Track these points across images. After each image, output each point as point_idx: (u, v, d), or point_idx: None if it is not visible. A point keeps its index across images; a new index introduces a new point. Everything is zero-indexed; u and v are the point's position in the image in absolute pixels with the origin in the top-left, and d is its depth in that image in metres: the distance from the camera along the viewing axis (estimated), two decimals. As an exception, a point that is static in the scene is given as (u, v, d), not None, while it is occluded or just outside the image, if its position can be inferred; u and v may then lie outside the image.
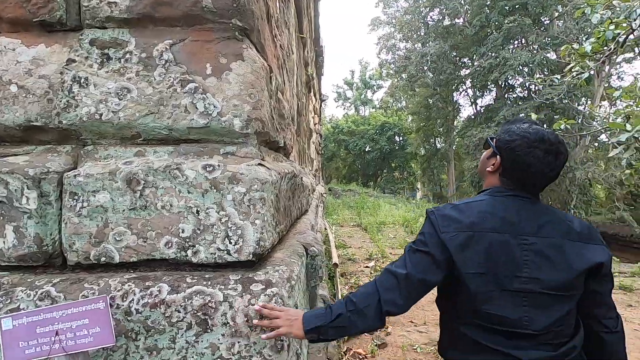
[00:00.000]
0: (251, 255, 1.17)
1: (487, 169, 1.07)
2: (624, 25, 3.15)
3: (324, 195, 10.94)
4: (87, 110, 1.27)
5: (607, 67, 12.67)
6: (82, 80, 1.28)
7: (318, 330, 0.98)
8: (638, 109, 3.20)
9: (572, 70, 3.64)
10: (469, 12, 18.69)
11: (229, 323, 1.05)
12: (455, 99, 22.41)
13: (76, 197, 1.18)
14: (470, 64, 19.80)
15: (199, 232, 1.18)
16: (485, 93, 20.18)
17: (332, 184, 24.61)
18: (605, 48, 3.39)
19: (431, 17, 21.33)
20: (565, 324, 0.95)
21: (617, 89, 3.64)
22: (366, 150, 27.59)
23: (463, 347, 0.99)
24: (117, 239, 1.18)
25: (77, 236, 1.18)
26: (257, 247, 1.17)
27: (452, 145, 22.22)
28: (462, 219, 0.98)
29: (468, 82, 20.29)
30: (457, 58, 20.34)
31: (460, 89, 21.47)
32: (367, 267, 5.48)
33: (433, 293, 1.07)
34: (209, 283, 1.10)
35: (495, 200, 1.01)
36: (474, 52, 18.01)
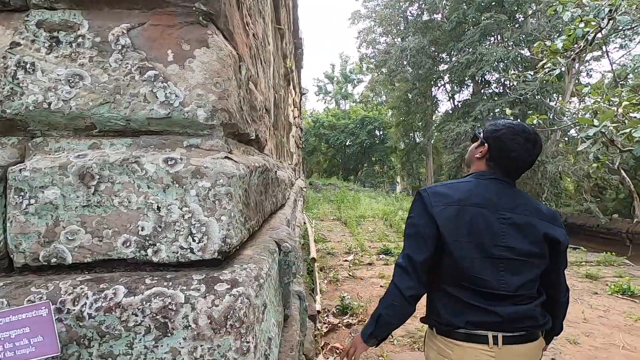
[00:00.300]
0: (216, 254, 1.11)
1: (476, 155, 1.24)
2: (593, 23, 3.24)
3: (304, 189, 10.89)
4: (34, 99, 1.16)
5: (577, 65, 13.14)
6: (28, 65, 1.17)
7: (373, 336, 1.20)
8: (605, 105, 3.31)
9: (545, 66, 3.73)
10: (447, 7, 18.91)
11: (190, 326, 0.99)
12: (433, 93, 22.74)
13: (22, 194, 1.08)
14: (448, 59, 20.11)
15: (160, 229, 1.10)
16: (462, 88, 20.58)
17: (313, 177, 24.57)
18: (575, 45, 3.49)
19: (410, 12, 21.50)
20: (532, 287, 1.14)
21: (586, 86, 3.75)
22: (347, 144, 27.68)
23: (452, 306, 1.14)
24: (70, 238, 1.09)
25: (24, 236, 1.08)
26: (223, 244, 1.11)
27: (430, 139, 22.58)
28: (451, 195, 1.15)
29: (446, 77, 20.62)
30: (436, 53, 20.59)
31: (439, 84, 21.80)
32: (346, 260, 5.49)
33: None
34: (170, 284, 1.04)
35: (479, 181, 1.18)
36: (452, 47, 18.27)
